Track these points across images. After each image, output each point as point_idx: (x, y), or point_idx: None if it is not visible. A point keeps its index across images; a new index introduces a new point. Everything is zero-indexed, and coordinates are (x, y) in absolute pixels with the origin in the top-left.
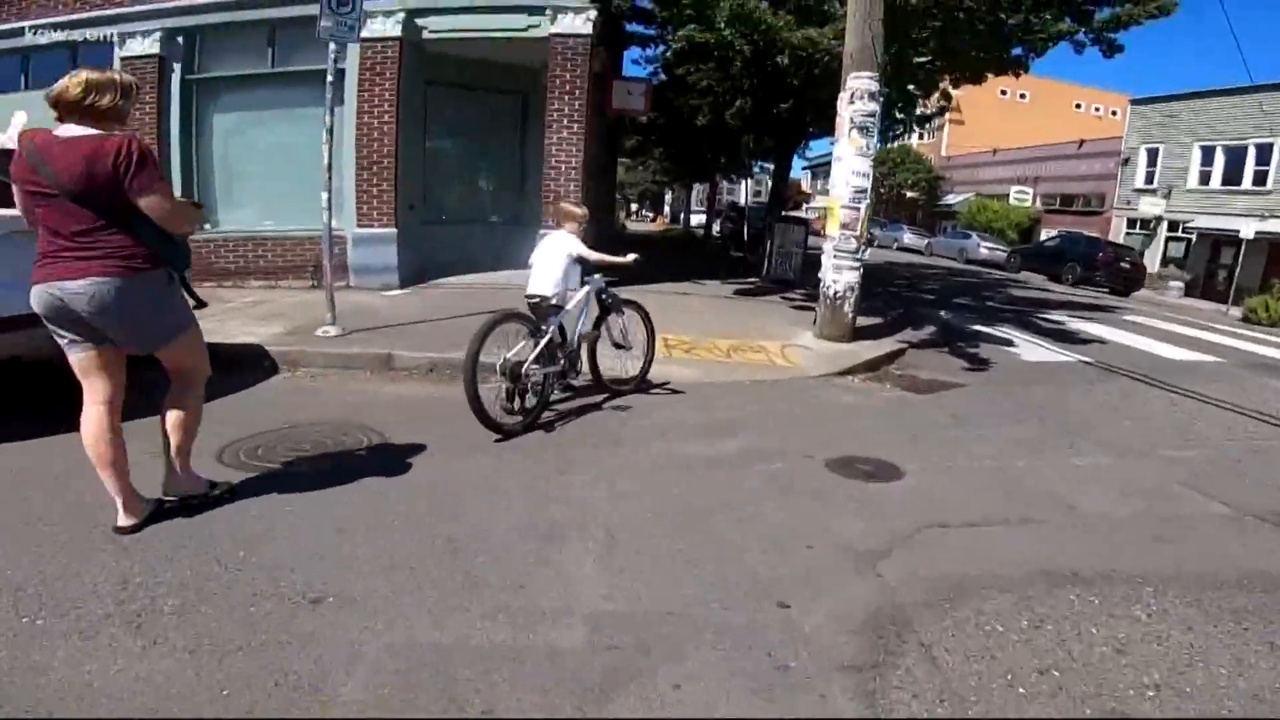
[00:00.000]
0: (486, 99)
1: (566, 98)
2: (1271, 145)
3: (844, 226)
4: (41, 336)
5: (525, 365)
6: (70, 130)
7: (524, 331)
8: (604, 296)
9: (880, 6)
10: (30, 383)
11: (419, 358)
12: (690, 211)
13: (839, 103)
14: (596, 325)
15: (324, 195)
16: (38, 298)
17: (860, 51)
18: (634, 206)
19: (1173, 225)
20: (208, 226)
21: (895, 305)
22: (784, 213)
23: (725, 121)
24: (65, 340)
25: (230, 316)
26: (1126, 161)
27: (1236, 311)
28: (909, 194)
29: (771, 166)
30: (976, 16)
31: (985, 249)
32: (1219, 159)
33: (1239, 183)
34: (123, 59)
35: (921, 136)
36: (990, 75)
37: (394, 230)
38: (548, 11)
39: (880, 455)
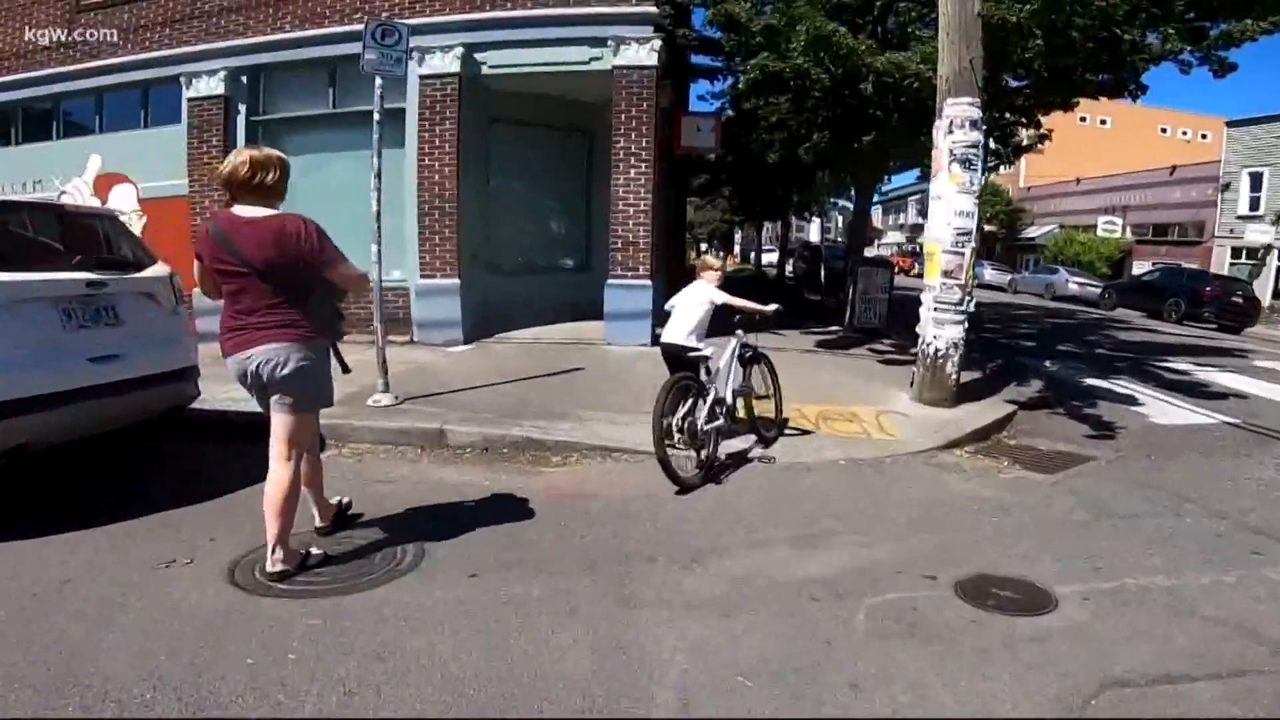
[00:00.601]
0: (551, 138)
1: (633, 134)
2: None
3: (946, 274)
4: (43, 422)
5: (700, 424)
6: (250, 211)
7: (691, 390)
8: (744, 350)
9: (978, 25)
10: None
11: (473, 434)
12: (761, 250)
13: (935, 133)
14: (744, 378)
15: (373, 247)
16: (232, 367)
17: (957, 75)
18: (703, 246)
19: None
20: None
21: (991, 353)
22: (865, 254)
23: (799, 157)
24: (263, 405)
25: None
26: (1227, 187)
27: None
28: (987, 227)
29: (846, 204)
30: (1089, 34)
31: (1075, 284)
32: None
33: None
34: (190, 100)
35: (997, 168)
36: (1091, 99)
37: (457, 281)
38: (610, 43)
39: (1020, 573)
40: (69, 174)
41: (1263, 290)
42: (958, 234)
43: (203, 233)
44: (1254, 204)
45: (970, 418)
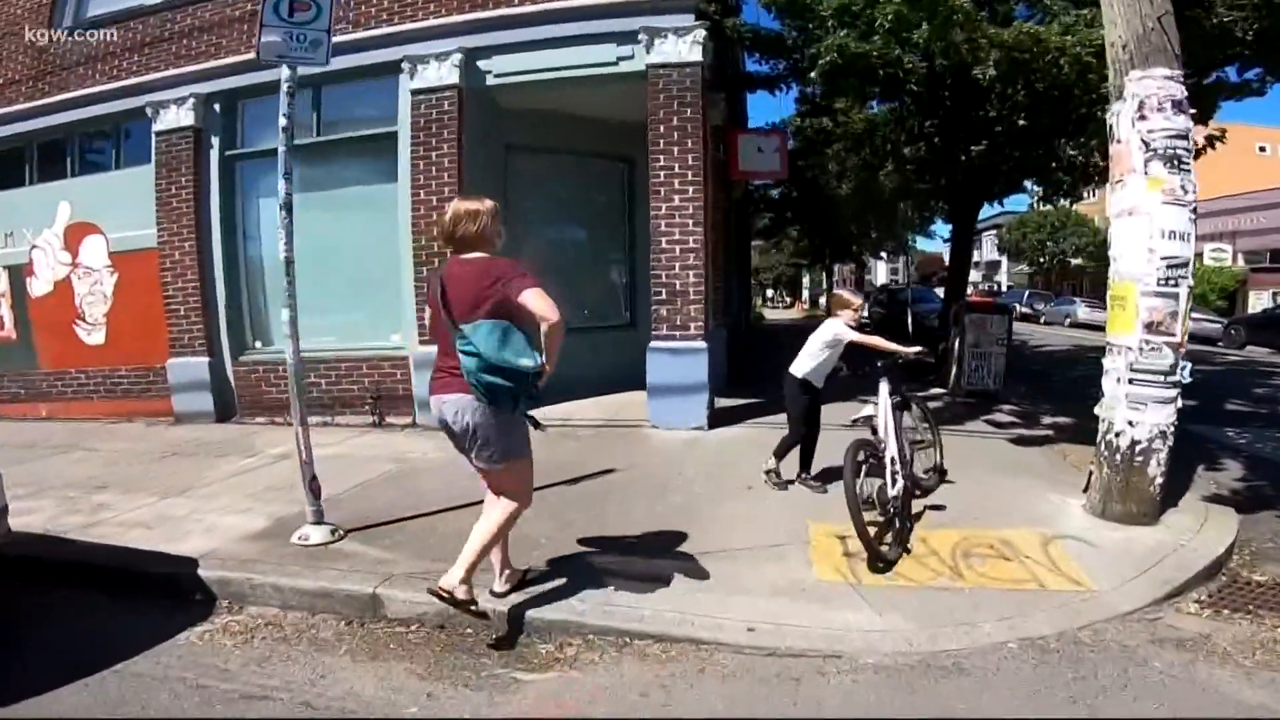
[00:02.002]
0: (582, 167)
1: (676, 150)
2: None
3: (1149, 328)
4: None
5: (889, 492)
6: (467, 257)
7: (865, 453)
8: (895, 395)
9: None
10: None
11: (422, 604)
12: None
13: (1112, 121)
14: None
15: (284, 312)
16: (433, 409)
17: (1141, 39)
18: (769, 292)
19: None
20: (258, 345)
21: None
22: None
23: (876, 186)
24: (461, 451)
25: (225, 491)
26: None
27: None
28: (1075, 261)
29: (917, 242)
30: None
31: (1190, 322)
32: None
33: None
34: (157, 134)
35: (1081, 197)
36: None
37: None
38: (641, 37)
39: None
40: (41, 225)
41: None
42: (1168, 267)
43: (433, 280)
44: None
45: (1185, 541)
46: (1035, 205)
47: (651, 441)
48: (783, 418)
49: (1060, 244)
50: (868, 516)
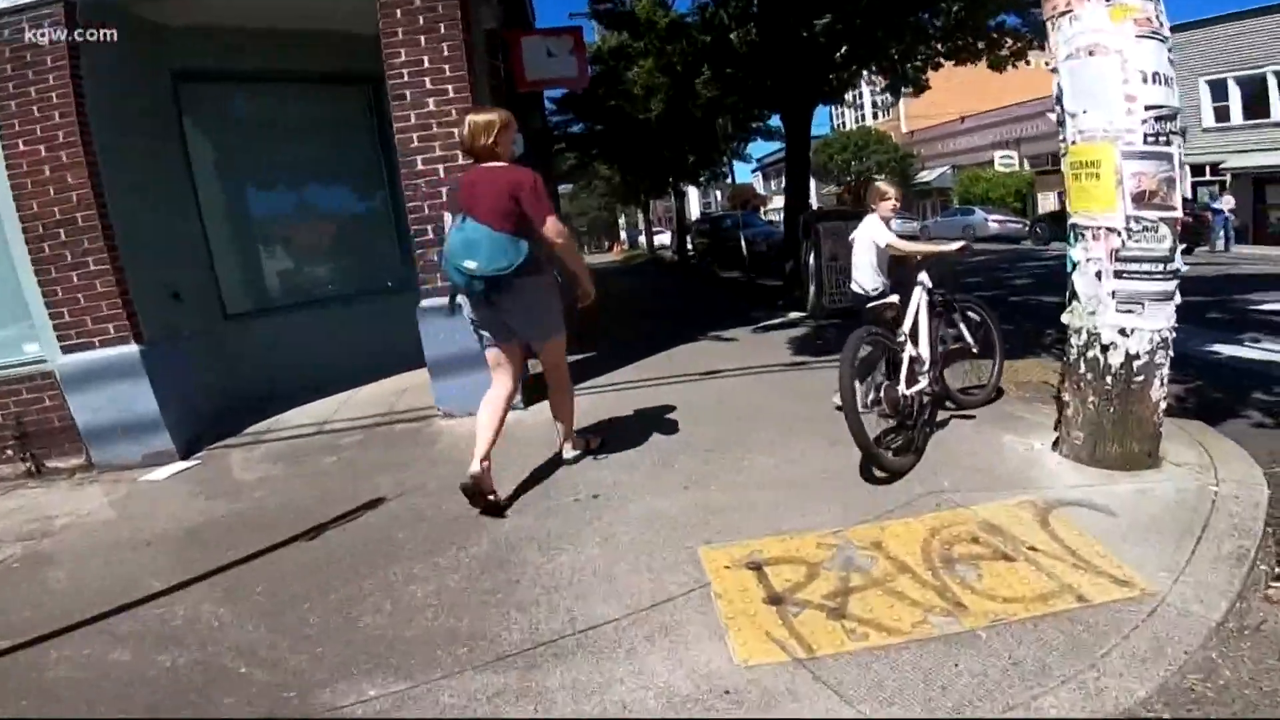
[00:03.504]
0: (307, 97)
1: (424, 38)
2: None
3: (1141, 200)
4: None
5: (901, 389)
6: (488, 165)
7: (879, 349)
8: (935, 297)
9: None
10: None
11: None
12: (652, 233)
13: None
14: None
15: None
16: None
17: None
18: (584, 239)
19: (1197, 169)
20: None
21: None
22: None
23: (692, 99)
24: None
25: None
26: None
27: None
28: (878, 178)
29: (757, 159)
30: None
31: (995, 223)
32: (1234, 92)
33: (1267, 114)
34: None
35: (875, 116)
36: None
37: (135, 349)
38: None
39: None
40: None
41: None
42: (1156, 119)
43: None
44: None
45: (1209, 483)
46: (837, 127)
47: (443, 440)
48: (626, 375)
49: (864, 162)
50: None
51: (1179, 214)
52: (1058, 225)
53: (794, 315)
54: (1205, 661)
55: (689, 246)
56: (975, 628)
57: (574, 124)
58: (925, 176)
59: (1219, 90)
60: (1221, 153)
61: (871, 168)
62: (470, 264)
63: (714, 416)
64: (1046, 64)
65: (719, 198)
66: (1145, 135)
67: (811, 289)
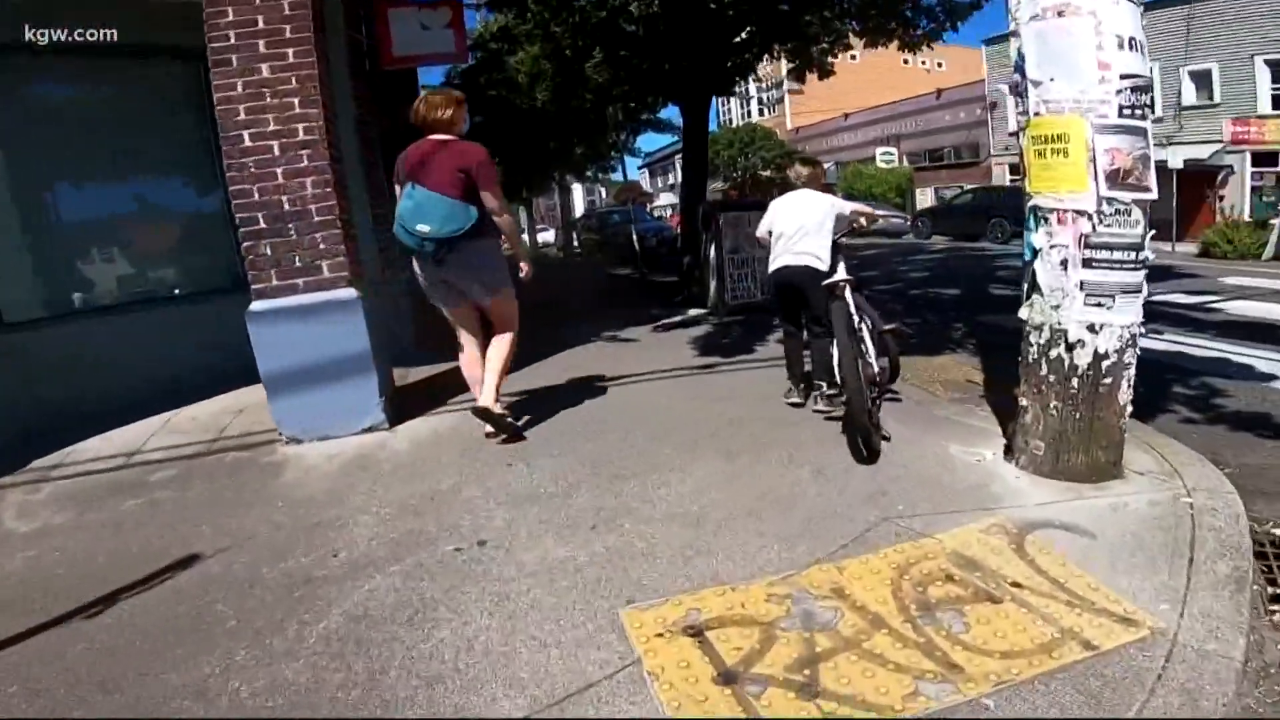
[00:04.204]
0: (118, 74)
1: None
2: (1150, 68)
3: (1115, 180)
4: None
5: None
6: (439, 137)
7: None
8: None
9: None
10: None
11: None
12: (535, 229)
13: None
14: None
15: None
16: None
17: None
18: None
19: None
20: None
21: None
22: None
23: (581, 86)
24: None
25: None
26: (994, 106)
27: (1191, 247)
28: (764, 174)
29: (646, 151)
30: None
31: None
32: None
33: None
34: None
35: (762, 113)
36: None
37: None
38: None
39: None
40: None
41: None
42: (1132, 90)
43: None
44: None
45: (1180, 494)
46: (723, 124)
47: (288, 472)
48: (515, 383)
49: (750, 158)
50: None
51: (1154, 195)
52: (938, 220)
53: (694, 312)
54: (1245, 710)
55: (575, 243)
56: (979, 695)
57: None
58: None
59: None
60: None
61: (757, 164)
62: (423, 227)
63: (620, 431)
64: (921, 65)
65: (603, 194)
66: (1121, 107)
67: (712, 284)
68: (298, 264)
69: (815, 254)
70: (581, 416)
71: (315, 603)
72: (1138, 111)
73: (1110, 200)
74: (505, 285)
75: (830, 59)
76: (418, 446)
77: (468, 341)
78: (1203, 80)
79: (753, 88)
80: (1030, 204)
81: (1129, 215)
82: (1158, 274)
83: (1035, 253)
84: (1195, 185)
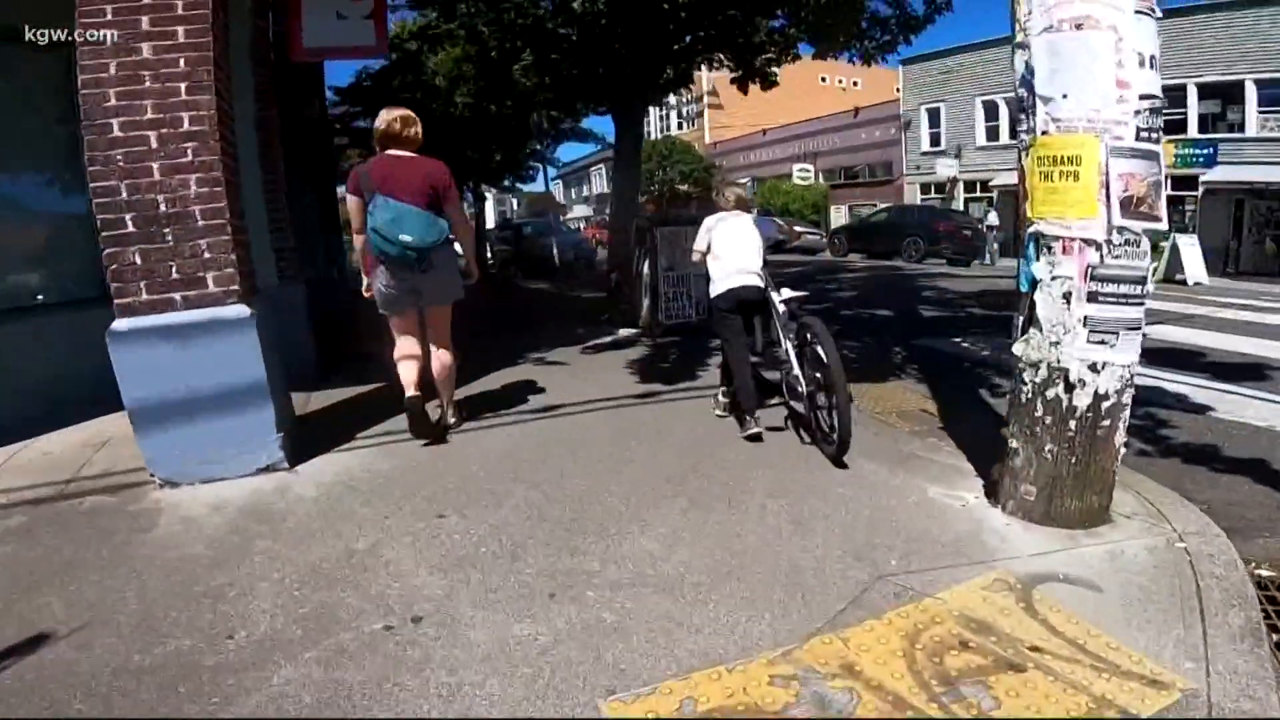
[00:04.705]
0: None
1: None
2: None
3: (1128, 207)
4: None
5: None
6: (401, 154)
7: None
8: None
9: None
10: None
11: None
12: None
13: None
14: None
15: None
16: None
17: None
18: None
19: (969, 185)
20: None
21: (875, 339)
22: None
23: (505, 90)
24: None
25: None
26: (909, 125)
27: None
28: (682, 188)
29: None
30: None
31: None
32: (1003, 112)
33: None
34: None
35: (681, 126)
36: None
37: None
38: None
39: None
40: None
41: None
42: (1150, 112)
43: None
44: (934, 139)
45: (1173, 539)
46: (656, 136)
47: (160, 526)
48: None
49: (668, 172)
50: None
51: (1164, 226)
52: (855, 238)
53: (625, 333)
54: None
55: (490, 256)
56: None
57: (361, 118)
58: None
59: (991, 110)
60: (991, 170)
61: (675, 177)
62: (406, 237)
63: (565, 474)
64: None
65: (514, 205)
66: (1138, 130)
67: (645, 303)
68: (175, 275)
69: (761, 274)
70: (518, 455)
71: (207, 702)
72: (1154, 135)
73: (1121, 229)
74: (460, 295)
75: (774, 69)
76: (326, 492)
77: (408, 345)
78: None
79: (672, 99)
80: (1031, 230)
81: (1138, 246)
82: None
83: (1034, 284)
84: None
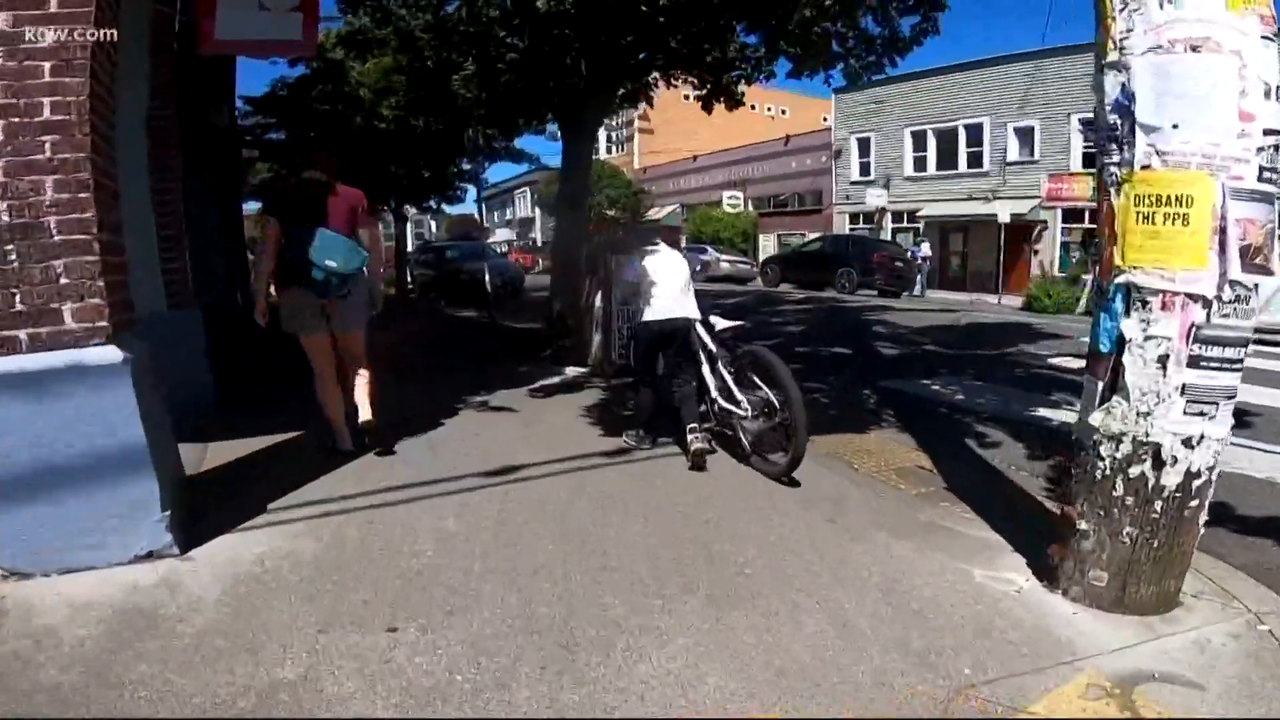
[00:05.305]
0: None
1: None
2: (981, 125)
3: (1244, 258)
4: None
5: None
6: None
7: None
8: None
9: None
10: None
11: None
12: None
13: None
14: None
15: None
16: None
17: None
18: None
19: (897, 215)
20: None
21: (837, 378)
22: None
23: (445, 101)
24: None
25: None
26: (839, 154)
27: (1015, 300)
28: (609, 212)
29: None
30: None
31: (726, 262)
32: (931, 143)
33: (955, 166)
34: None
35: (610, 150)
36: None
37: None
38: None
39: None
40: None
41: None
42: (1275, 149)
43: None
44: (864, 169)
45: (1255, 623)
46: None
47: (7, 632)
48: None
49: (596, 196)
50: None
51: (1277, 281)
52: (787, 268)
53: (573, 372)
54: None
55: (410, 281)
56: None
57: (274, 130)
58: (656, 213)
59: (919, 141)
60: (919, 200)
61: (603, 201)
62: (331, 263)
63: (544, 563)
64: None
65: (433, 227)
66: (1261, 169)
67: (596, 339)
68: (20, 307)
69: (695, 305)
70: (479, 535)
71: None
72: (1276, 176)
73: (1234, 284)
74: (372, 312)
75: (744, 87)
76: (231, 589)
77: (326, 370)
78: (1025, 137)
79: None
80: (1120, 279)
81: (1247, 303)
82: (1022, 334)
83: (1121, 344)
84: (1016, 239)
